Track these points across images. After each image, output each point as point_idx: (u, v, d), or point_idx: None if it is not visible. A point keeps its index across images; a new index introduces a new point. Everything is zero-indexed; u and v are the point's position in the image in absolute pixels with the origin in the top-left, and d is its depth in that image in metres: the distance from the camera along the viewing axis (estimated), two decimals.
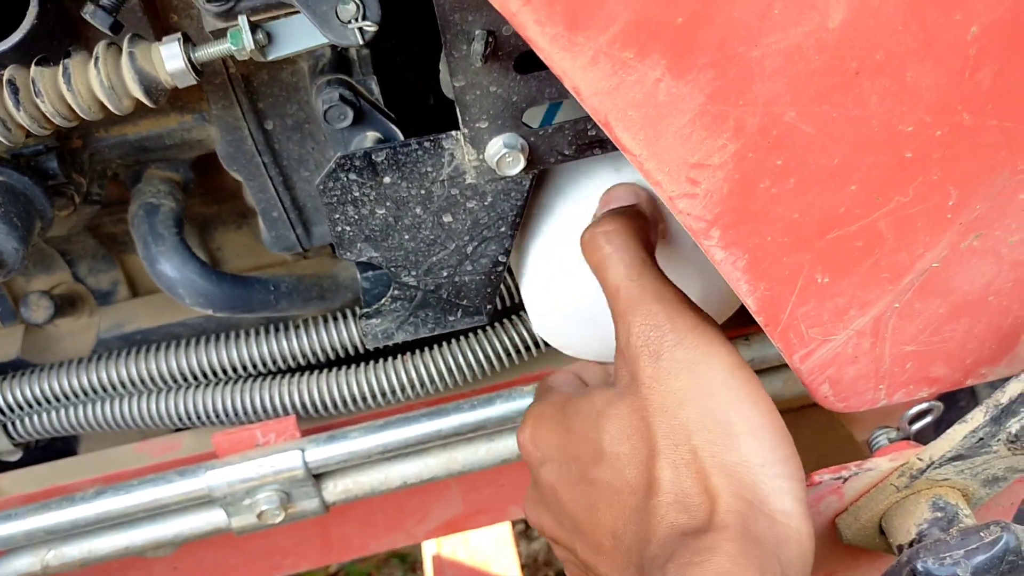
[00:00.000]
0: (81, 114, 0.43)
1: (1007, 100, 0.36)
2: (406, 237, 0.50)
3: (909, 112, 0.35)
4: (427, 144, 0.46)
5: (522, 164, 0.46)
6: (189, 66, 0.40)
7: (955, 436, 0.46)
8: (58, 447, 0.74)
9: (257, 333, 0.64)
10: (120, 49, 0.41)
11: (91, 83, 0.41)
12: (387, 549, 0.83)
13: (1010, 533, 0.44)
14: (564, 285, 0.53)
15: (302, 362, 0.65)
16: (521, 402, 0.64)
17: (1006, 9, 0.33)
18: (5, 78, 0.42)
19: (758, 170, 0.36)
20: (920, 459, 0.47)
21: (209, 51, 0.40)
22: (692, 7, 0.32)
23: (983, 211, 0.39)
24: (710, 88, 0.34)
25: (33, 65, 0.43)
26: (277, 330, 0.65)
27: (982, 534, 0.44)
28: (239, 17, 0.40)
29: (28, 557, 0.65)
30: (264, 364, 0.64)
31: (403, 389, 0.66)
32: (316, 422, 0.68)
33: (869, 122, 0.35)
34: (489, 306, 0.55)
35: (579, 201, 0.51)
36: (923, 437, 0.51)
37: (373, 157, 0.46)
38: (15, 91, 0.42)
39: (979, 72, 0.34)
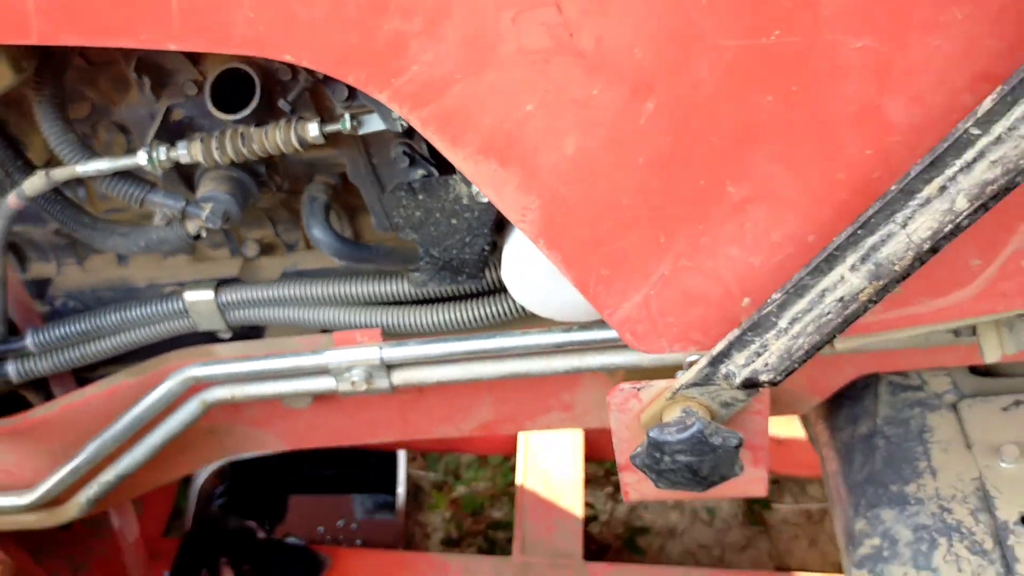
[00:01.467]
0: (271, 152, 0.88)
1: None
2: (431, 229, 0.92)
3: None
4: (441, 181, 0.88)
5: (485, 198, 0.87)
6: (320, 134, 0.84)
7: (692, 371, 0.82)
8: (250, 335, 1.21)
9: (364, 277, 1.09)
10: (290, 124, 0.86)
11: (276, 139, 0.86)
12: (439, 436, 1.24)
13: (702, 422, 0.79)
14: (528, 263, 0.93)
15: (391, 299, 1.09)
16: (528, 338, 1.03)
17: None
18: (241, 132, 0.88)
19: (560, 208, 0.75)
20: (676, 382, 0.83)
21: (327, 128, 0.84)
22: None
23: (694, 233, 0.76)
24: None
25: (253, 127, 0.88)
26: (378, 277, 1.09)
27: (686, 421, 0.80)
28: (345, 114, 0.83)
29: (223, 390, 1.12)
30: (364, 297, 1.08)
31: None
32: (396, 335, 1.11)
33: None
34: (480, 274, 0.96)
35: None
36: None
37: (413, 185, 0.89)
38: (244, 138, 0.88)
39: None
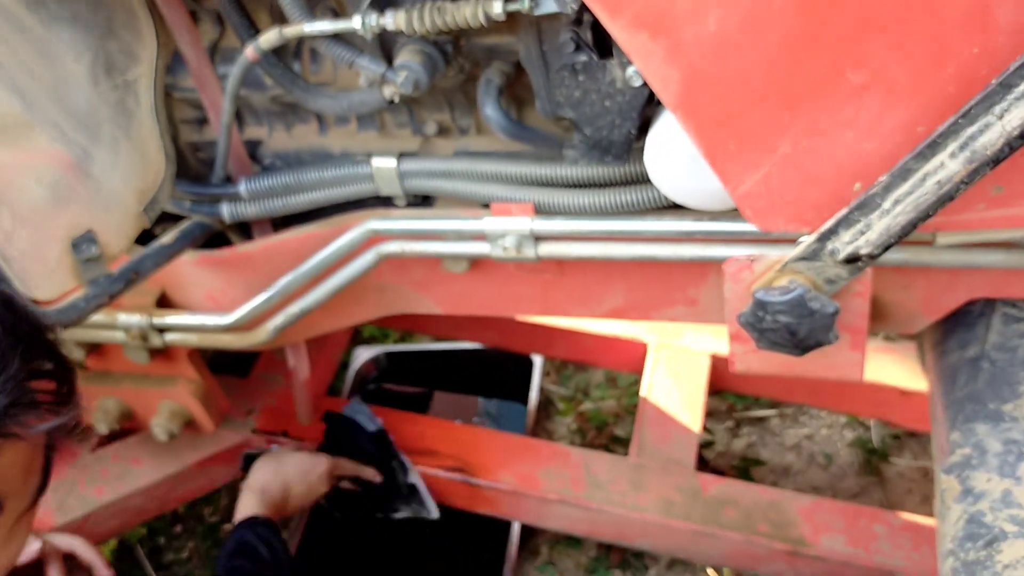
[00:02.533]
0: (460, 25, 1.04)
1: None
2: (587, 108, 1.06)
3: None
4: (600, 64, 1.02)
5: (640, 82, 1.00)
6: (503, 12, 0.99)
7: (801, 246, 0.93)
8: (421, 205, 1.39)
9: (524, 159, 1.24)
10: (478, 2, 1.01)
11: (466, 13, 1.02)
12: (575, 315, 1.39)
13: (804, 288, 0.90)
14: (669, 149, 1.06)
15: (544, 181, 1.23)
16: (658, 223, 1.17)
17: None
18: (438, 6, 1.04)
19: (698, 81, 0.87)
20: (785, 258, 0.94)
21: (509, 7, 0.99)
22: None
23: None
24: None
25: (448, 2, 1.04)
26: (535, 160, 1.24)
27: (790, 286, 0.91)
28: None
29: (396, 245, 1.30)
30: (522, 177, 1.24)
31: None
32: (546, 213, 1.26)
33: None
34: (625, 156, 1.09)
35: None
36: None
37: (575, 66, 1.03)
38: (440, 11, 1.04)
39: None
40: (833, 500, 1.80)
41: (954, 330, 1.27)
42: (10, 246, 1.06)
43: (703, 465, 2.08)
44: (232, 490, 2.24)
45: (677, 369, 1.96)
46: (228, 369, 1.99)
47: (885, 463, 2.14)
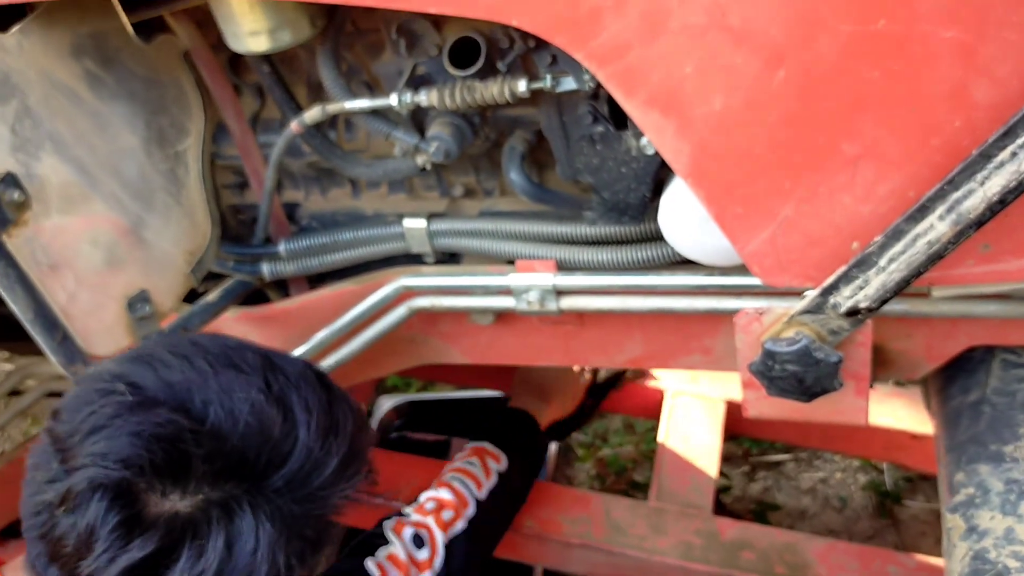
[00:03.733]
0: (488, 102, 1.13)
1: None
2: (604, 174, 1.15)
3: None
4: (616, 134, 1.11)
5: (653, 151, 1.09)
6: (527, 90, 1.09)
7: (806, 300, 1.00)
8: (449, 262, 1.48)
9: (546, 218, 1.32)
10: (505, 80, 1.11)
11: (493, 91, 1.11)
12: (594, 364, 1.46)
13: (809, 339, 0.98)
14: (681, 210, 1.14)
15: (565, 239, 1.32)
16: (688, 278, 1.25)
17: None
18: (468, 84, 1.14)
19: (706, 153, 0.96)
20: (791, 311, 1.02)
21: (533, 86, 1.08)
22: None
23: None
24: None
25: (478, 80, 1.14)
26: (556, 220, 1.32)
27: (797, 338, 0.98)
28: (547, 76, 1.08)
29: (426, 300, 1.39)
30: (544, 236, 1.32)
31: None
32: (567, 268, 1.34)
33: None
34: (641, 217, 1.18)
35: None
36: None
37: (594, 136, 1.12)
38: (470, 90, 1.14)
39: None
40: (848, 542, 1.85)
41: (956, 376, 1.34)
42: (72, 306, 1.15)
43: (721, 509, 2.14)
44: None
45: (693, 415, 2.03)
46: None
47: (898, 506, 2.20)
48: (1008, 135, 0.82)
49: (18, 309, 1.07)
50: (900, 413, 2.00)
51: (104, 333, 1.20)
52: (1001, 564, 1.12)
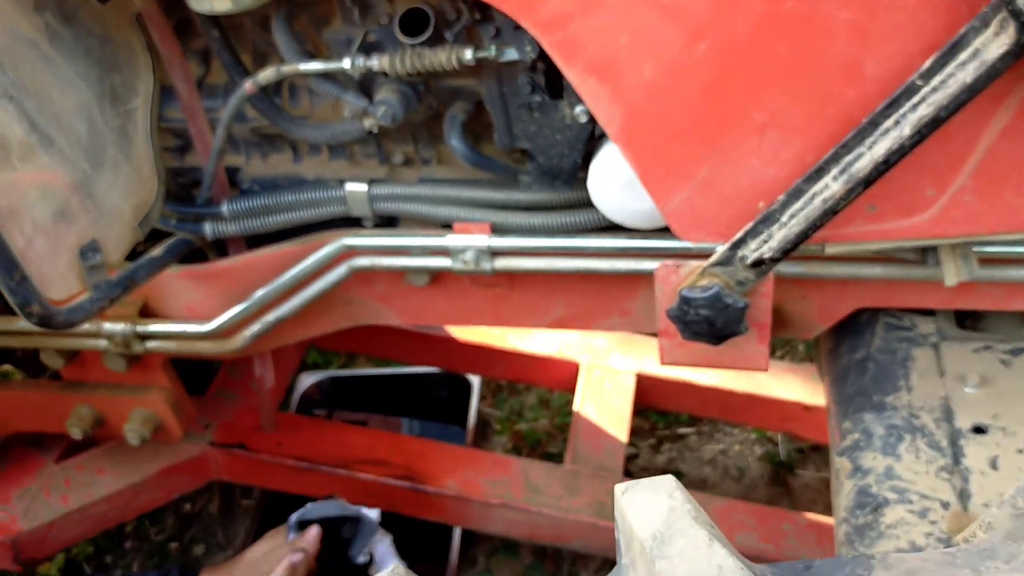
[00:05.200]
0: (435, 68, 1.23)
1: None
2: (540, 140, 1.25)
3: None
4: (552, 103, 1.22)
5: (586, 119, 1.21)
6: (472, 58, 1.19)
7: (717, 254, 1.13)
8: (387, 226, 1.56)
9: (482, 184, 1.42)
10: (452, 49, 1.20)
11: (441, 58, 1.21)
12: (522, 326, 1.57)
13: (720, 287, 1.11)
14: (608, 175, 1.25)
15: (500, 204, 1.42)
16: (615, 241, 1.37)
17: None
18: (417, 52, 1.23)
19: (636, 119, 1.08)
20: (704, 264, 1.15)
21: (478, 55, 1.18)
22: None
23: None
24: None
25: (427, 48, 1.23)
26: (492, 185, 1.43)
27: (708, 285, 1.11)
28: (492, 46, 1.18)
29: (366, 259, 1.47)
30: (480, 200, 1.42)
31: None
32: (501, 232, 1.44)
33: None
34: (572, 182, 1.29)
35: None
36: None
37: (532, 105, 1.23)
38: (419, 56, 1.23)
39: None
40: (745, 502, 2.00)
41: (845, 336, 1.50)
42: (30, 250, 1.20)
43: (628, 476, 2.27)
44: (178, 508, 2.34)
45: (606, 386, 2.16)
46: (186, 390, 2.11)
47: (791, 475, 2.37)
48: (893, 105, 0.96)
49: None
50: (794, 387, 2.17)
51: (58, 279, 1.25)
52: (881, 497, 1.27)
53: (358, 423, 2.44)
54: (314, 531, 1.65)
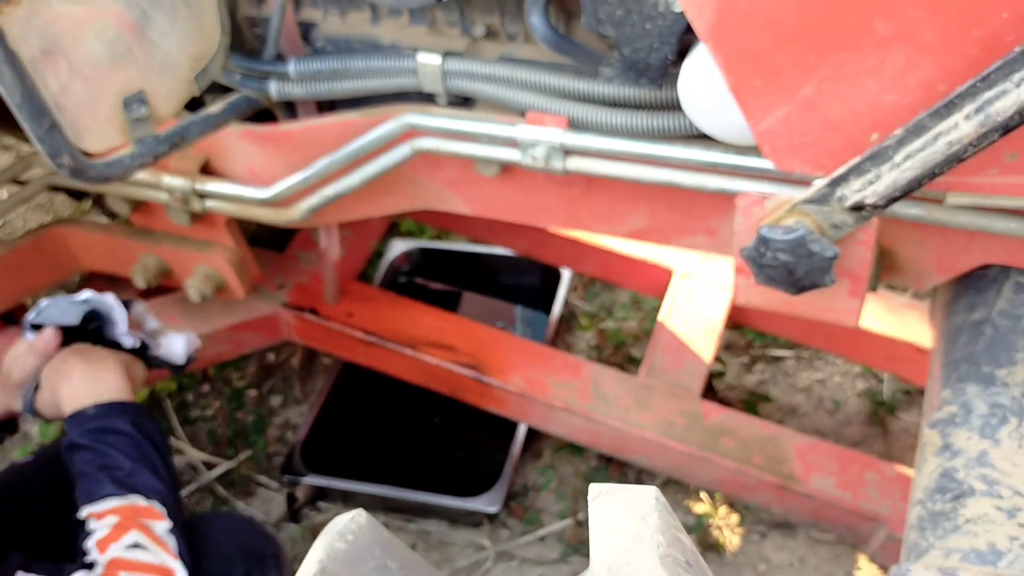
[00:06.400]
0: None
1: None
2: (627, 28, 1.08)
3: None
4: None
5: (681, 8, 1.02)
6: None
7: (812, 188, 0.95)
8: (461, 106, 1.42)
9: (564, 71, 1.26)
10: None
11: None
12: (598, 232, 1.43)
13: (807, 230, 0.93)
14: (702, 79, 1.08)
15: (582, 96, 1.26)
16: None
17: None
18: None
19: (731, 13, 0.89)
20: (795, 198, 0.97)
21: None
22: None
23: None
24: None
25: None
26: (575, 74, 1.26)
27: (794, 226, 0.94)
28: None
29: (431, 141, 1.34)
30: (561, 90, 1.26)
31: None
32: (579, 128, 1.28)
33: None
34: (660, 80, 1.11)
35: None
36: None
37: None
38: None
39: None
40: (829, 443, 1.84)
41: (965, 292, 1.29)
42: (65, 96, 1.12)
43: (712, 394, 2.14)
44: (261, 358, 2.35)
45: (697, 299, 2.00)
46: (266, 243, 2.06)
47: (892, 416, 2.18)
48: None
49: (4, 91, 1.04)
50: (910, 326, 1.96)
51: (96, 129, 1.17)
52: (967, 485, 1.11)
53: (449, 295, 2.39)
54: (48, 333, 1.41)
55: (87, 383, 1.32)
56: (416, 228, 2.60)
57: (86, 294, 1.44)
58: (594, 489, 0.54)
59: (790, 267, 0.96)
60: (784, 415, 2.19)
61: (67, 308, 1.42)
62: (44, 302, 1.44)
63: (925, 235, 1.17)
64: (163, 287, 1.83)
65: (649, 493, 0.53)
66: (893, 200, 0.89)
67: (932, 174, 0.85)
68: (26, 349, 1.39)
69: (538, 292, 2.36)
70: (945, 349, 1.27)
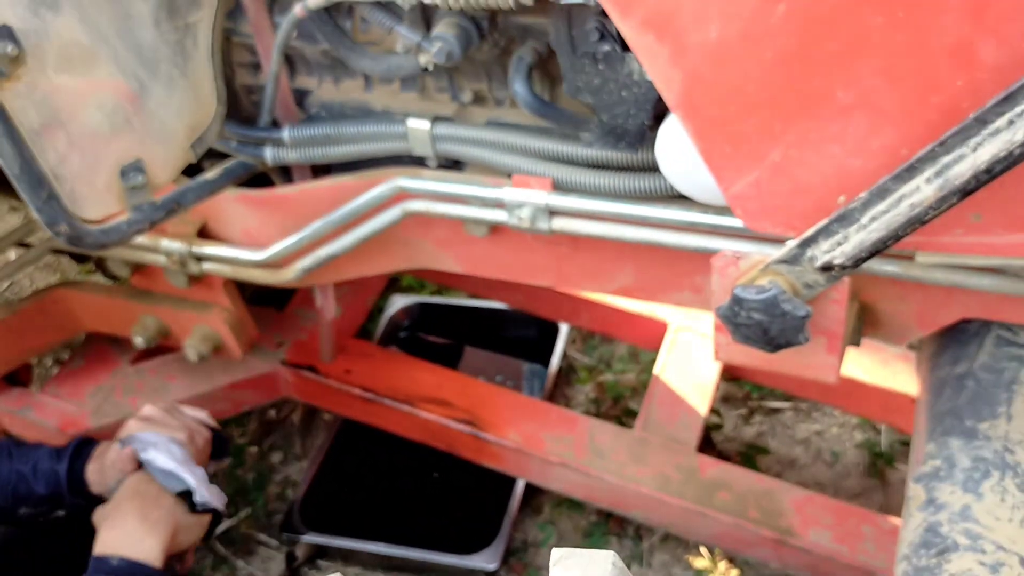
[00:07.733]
0: (496, 6, 1.10)
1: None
2: (605, 96, 1.11)
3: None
4: (620, 55, 1.07)
5: None
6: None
7: (784, 249, 0.97)
8: (450, 168, 1.46)
9: (548, 135, 1.29)
10: None
11: None
12: (585, 290, 1.45)
13: (779, 290, 0.95)
14: (678, 141, 1.11)
15: (565, 159, 1.29)
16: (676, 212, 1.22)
17: None
18: None
19: (697, 85, 0.92)
20: (768, 259, 0.99)
21: None
22: None
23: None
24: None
25: None
26: (559, 137, 1.29)
27: (767, 286, 0.96)
28: None
29: (421, 203, 1.37)
30: (545, 152, 1.30)
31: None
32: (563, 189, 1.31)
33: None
34: (638, 144, 1.14)
35: None
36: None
37: (597, 55, 1.08)
38: None
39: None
40: (826, 497, 1.84)
41: (949, 345, 1.31)
42: (63, 167, 1.16)
43: (710, 447, 2.14)
44: (262, 414, 2.37)
45: (692, 352, 2.01)
46: (266, 301, 2.09)
47: (890, 468, 2.18)
48: (1008, 100, 0.77)
49: (4, 163, 1.07)
50: (903, 376, 1.97)
51: (94, 198, 1.21)
52: (951, 540, 1.11)
53: (450, 348, 2.41)
54: (127, 455, 1.46)
55: (127, 537, 1.37)
56: (416, 283, 2.63)
57: (185, 472, 1.46)
58: (555, 554, 0.56)
59: (764, 326, 0.98)
60: (783, 467, 2.19)
61: (166, 476, 1.46)
62: (148, 437, 1.48)
63: (905, 291, 1.19)
64: (162, 347, 1.86)
65: (607, 557, 0.54)
66: (861, 260, 0.92)
67: (897, 236, 0.88)
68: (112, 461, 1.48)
69: (537, 345, 2.38)
70: (930, 402, 1.29)
